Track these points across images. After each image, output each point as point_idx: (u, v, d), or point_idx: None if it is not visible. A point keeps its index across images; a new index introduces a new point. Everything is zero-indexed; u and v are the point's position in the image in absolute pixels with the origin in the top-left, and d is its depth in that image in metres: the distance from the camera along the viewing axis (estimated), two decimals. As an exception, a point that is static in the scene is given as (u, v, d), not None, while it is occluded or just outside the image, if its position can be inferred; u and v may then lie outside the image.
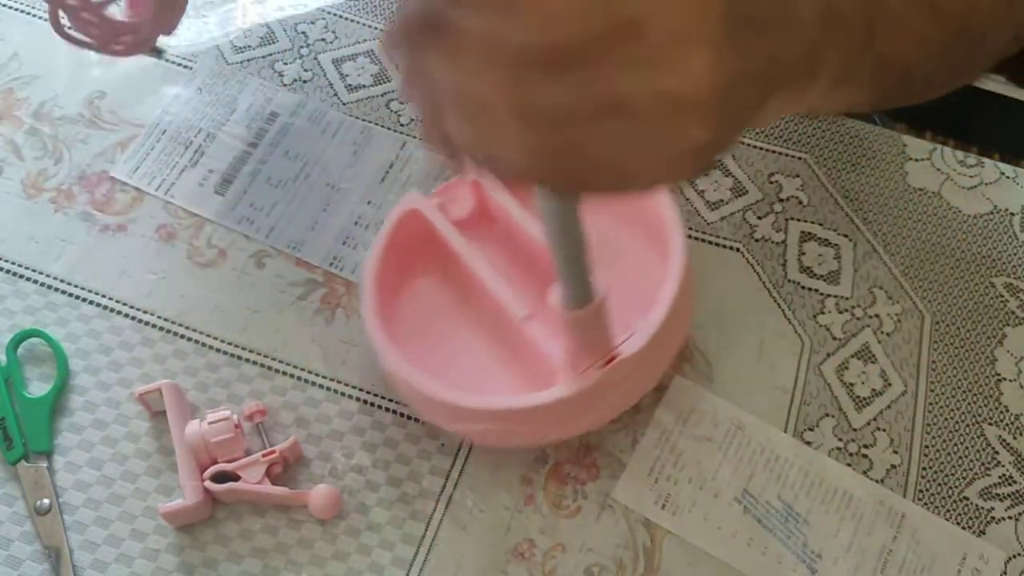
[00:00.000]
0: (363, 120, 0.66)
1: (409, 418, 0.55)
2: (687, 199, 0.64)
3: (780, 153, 0.66)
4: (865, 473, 0.55)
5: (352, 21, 0.70)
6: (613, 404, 0.52)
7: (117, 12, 0.39)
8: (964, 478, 0.55)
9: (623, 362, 0.49)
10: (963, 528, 0.54)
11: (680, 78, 0.28)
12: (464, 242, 0.55)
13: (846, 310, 0.60)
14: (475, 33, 0.29)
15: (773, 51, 0.32)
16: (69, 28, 0.34)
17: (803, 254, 0.62)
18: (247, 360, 0.56)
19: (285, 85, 0.67)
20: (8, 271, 0.58)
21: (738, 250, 0.62)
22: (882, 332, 0.60)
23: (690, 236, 0.62)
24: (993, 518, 0.54)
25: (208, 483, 0.50)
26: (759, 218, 0.63)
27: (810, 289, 0.61)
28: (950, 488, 0.55)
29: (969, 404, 0.58)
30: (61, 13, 0.34)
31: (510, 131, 0.30)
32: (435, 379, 0.50)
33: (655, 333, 0.50)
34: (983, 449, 0.56)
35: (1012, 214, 0.65)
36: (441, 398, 0.50)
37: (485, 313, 0.55)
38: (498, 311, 0.54)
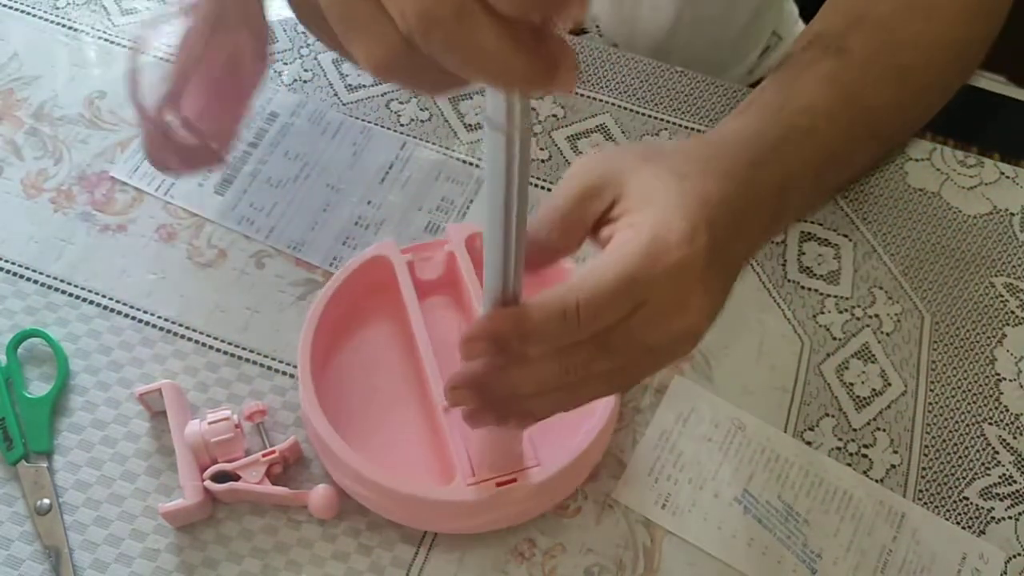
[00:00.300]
0: (363, 120, 0.66)
1: (409, 418, 0.55)
2: (687, 199, 0.64)
3: (780, 153, 0.66)
4: (865, 473, 0.55)
5: (352, 21, 0.70)
6: (504, 518, 0.51)
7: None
8: (964, 478, 0.55)
9: (519, 488, 0.48)
10: (963, 528, 0.54)
11: (683, 319, 0.39)
12: (418, 308, 0.54)
13: (846, 310, 0.60)
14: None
15: (748, 251, 0.44)
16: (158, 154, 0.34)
17: (803, 254, 0.62)
18: (247, 360, 0.56)
19: (285, 85, 0.67)
20: (8, 271, 0.58)
21: (738, 250, 0.62)
22: (882, 332, 0.60)
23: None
24: (993, 518, 0.54)
25: (208, 483, 0.50)
26: (759, 218, 0.63)
27: (810, 289, 0.61)
28: (950, 488, 0.55)
29: (969, 404, 0.58)
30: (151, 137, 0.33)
31: None
32: (341, 430, 0.50)
33: (564, 467, 0.49)
34: (983, 449, 0.56)
35: (1012, 214, 0.65)
36: (336, 450, 0.49)
37: (416, 385, 0.55)
38: (426, 391, 0.53)
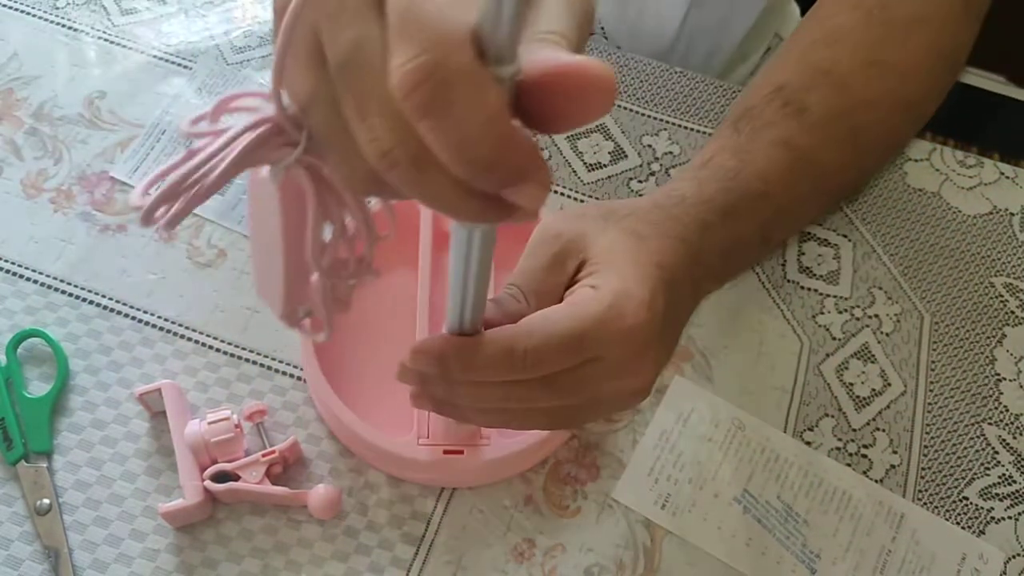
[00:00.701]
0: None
1: (409, 418, 0.55)
2: (687, 199, 0.64)
3: (780, 153, 0.66)
4: (865, 473, 0.55)
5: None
6: (448, 480, 0.53)
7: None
8: (964, 478, 0.55)
9: (464, 460, 0.50)
10: (963, 528, 0.54)
11: (635, 379, 0.42)
12: (429, 256, 0.55)
13: (845, 310, 0.60)
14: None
15: (693, 308, 0.47)
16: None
17: (802, 254, 0.62)
18: (247, 360, 0.56)
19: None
20: (8, 271, 0.58)
21: (738, 250, 0.62)
22: (881, 332, 0.60)
23: (690, 236, 0.62)
24: (993, 518, 0.54)
25: (208, 483, 0.50)
26: (759, 218, 0.63)
27: (809, 289, 0.61)
28: (950, 488, 0.55)
29: (969, 404, 0.58)
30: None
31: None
32: (335, 371, 0.52)
33: (513, 451, 0.51)
34: (983, 449, 0.56)
35: (1012, 214, 0.65)
36: (325, 402, 0.52)
37: (410, 336, 0.55)
38: (409, 335, 0.54)
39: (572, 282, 0.44)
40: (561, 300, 0.43)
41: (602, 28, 0.79)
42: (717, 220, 0.48)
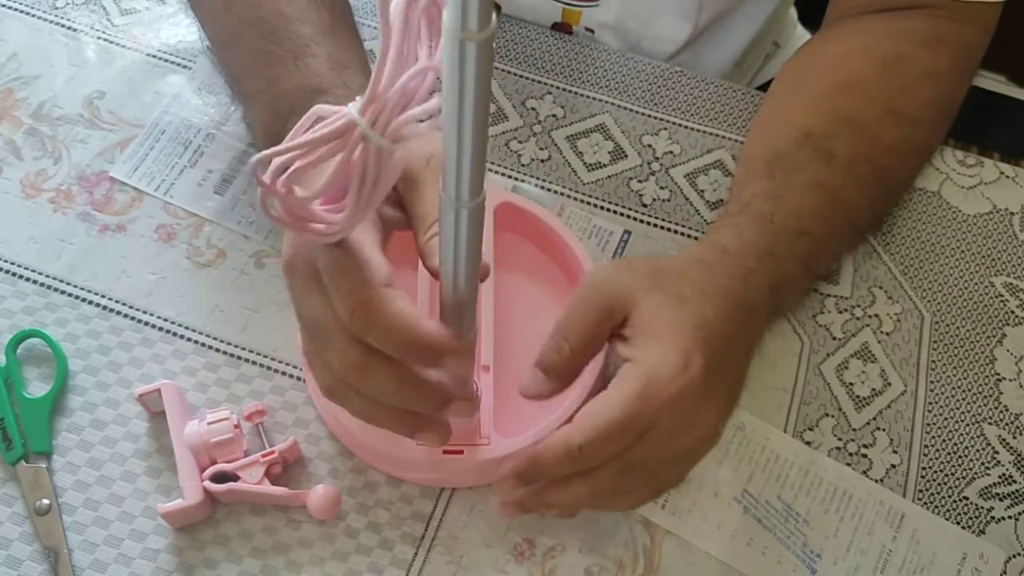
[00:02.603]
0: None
1: (409, 418, 0.55)
2: (686, 198, 0.64)
3: (780, 153, 0.66)
4: (865, 473, 0.55)
5: (351, 21, 0.70)
6: (446, 480, 0.53)
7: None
8: (964, 478, 0.55)
9: (462, 460, 0.51)
10: (963, 528, 0.54)
11: (697, 431, 0.45)
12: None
13: (846, 310, 0.60)
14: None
15: (750, 350, 0.50)
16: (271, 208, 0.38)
17: (803, 254, 0.62)
18: (247, 360, 0.56)
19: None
20: (8, 271, 0.58)
21: (738, 250, 0.62)
22: (882, 332, 0.60)
23: (689, 236, 0.62)
24: (993, 518, 0.54)
25: (207, 483, 0.50)
26: (759, 218, 0.63)
27: (809, 289, 0.61)
28: (950, 488, 0.55)
29: (969, 404, 0.58)
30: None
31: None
32: None
33: (511, 452, 0.51)
34: (983, 449, 0.56)
35: (1012, 214, 0.65)
36: (324, 402, 0.51)
37: None
38: None
39: (617, 330, 0.47)
40: (604, 344, 0.48)
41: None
42: (758, 265, 0.51)
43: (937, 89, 0.59)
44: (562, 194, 0.64)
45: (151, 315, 0.57)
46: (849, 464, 0.55)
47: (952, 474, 0.55)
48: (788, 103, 0.61)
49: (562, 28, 0.73)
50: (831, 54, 0.62)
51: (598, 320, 0.47)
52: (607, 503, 0.47)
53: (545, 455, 0.44)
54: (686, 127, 0.67)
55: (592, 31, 0.73)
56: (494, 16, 0.29)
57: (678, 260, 0.51)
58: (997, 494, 0.55)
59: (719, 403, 0.46)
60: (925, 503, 0.54)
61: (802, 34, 0.86)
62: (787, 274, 0.52)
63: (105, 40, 0.68)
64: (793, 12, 0.85)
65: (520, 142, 0.65)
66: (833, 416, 0.57)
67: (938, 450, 0.56)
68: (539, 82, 0.68)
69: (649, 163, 0.65)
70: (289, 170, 0.36)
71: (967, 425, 0.57)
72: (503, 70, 0.69)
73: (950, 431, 0.57)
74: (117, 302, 0.58)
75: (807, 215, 0.53)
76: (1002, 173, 0.67)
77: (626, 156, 0.65)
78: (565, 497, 0.46)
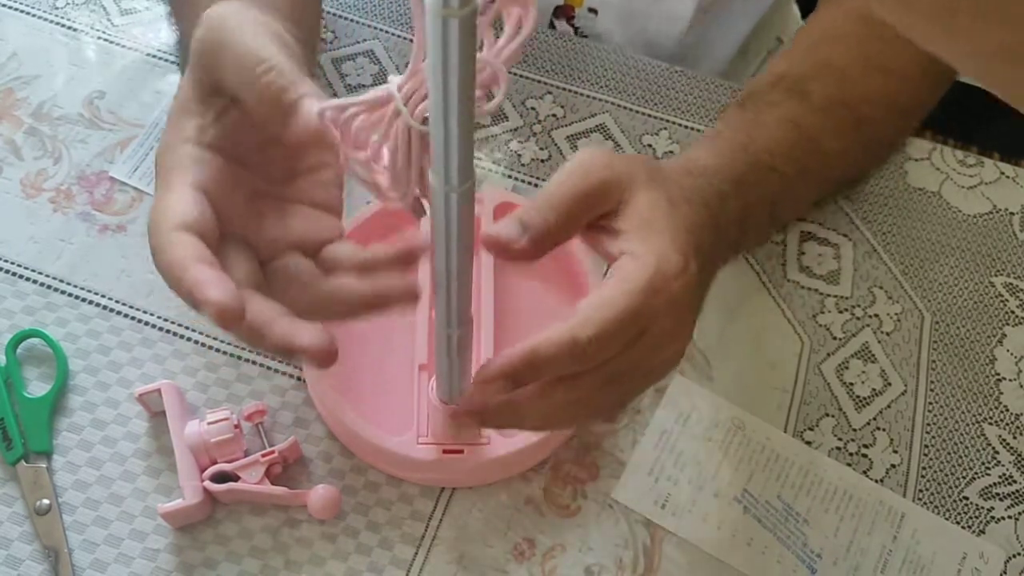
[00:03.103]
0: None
1: (409, 418, 0.55)
2: (687, 199, 0.64)
3: (780, 153, 0.66)
4: (865, 473, 0.55)
5: (352, 21, 0.70)
6: (447, 480, 0.53)
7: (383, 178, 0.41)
8: (964, 478, 0.55)
9: (463, 459, 0.51)
10: (963, 528, 0.54)
11: (675, 344, 0.43)
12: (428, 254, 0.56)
13: (846, 310, 0.60)
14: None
15: (714, 276, 0.47)
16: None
17: (803, 254, 0.62)
18: (247, 360, 0.56)
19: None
20: (8, 271, 0.58)
21: (738, 250, 0.62)
22: (882, 332, 0.60)
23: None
24: (993, 517, 0.54)
25: (207, 483, 0.50)
26: (759, 218, 0.63)
27: (810, 289, 0.61)
28: (950, 488, 0.55)
29: (969, 404, 0.58)
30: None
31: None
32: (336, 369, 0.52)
33: (512, 451, 0.51)
34: (983, 449, 0.56)
35: (1012, 214, 0.65)
36: (324, 402, 0.52)
37: (407, 336, 0.55)
38: (410, 343, 0.54)
39: (601, 221, 0.43)
40: (579, 230, 0.43)
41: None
42: (731, 190, 0.48)
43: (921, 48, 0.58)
44: (562, 194, 0.64)
45: (151, 315, 0.57)
46: (849, 464, 0.55)
47: (952, 474, 0.55)
48: (772, 62, 0.61)
49: (564, 11, 0.73)
50: (823, 18, 0.61)
51: (589, 193, 0.42)
52: (572, 418, 0.44)
53: (546, 351, 0.39)
54: (686, 127, 0.67)
55: (595, 11, 0.73)
56: None
57: (668, 164, 0.48)
58: (997, 494, 0.55)
59: (695, 317, 0.44)
60: (925, 503, 0.54)
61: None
62: (753, 209, 0.51)
63: (105, 40, 0.68)
64: (796, 10, 0.85)
65: (520, 142, 0.65)
66: (833, 416, 0.57)
67: (938, 450, 0.56)
68: (539, 82, 0.68)
69: (649, 163, 0.65)
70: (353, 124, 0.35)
71: (967, 425, 0.57)
72: (503, 70, 0.69)
73: (950, 431, 0.57)
74: (117, 302, 0.58)
75: (778, 153, 0.52)
76: (1002, 173, 0.67)
77: (626, 156, 0.65)
78: (542, 406, 0.41)
